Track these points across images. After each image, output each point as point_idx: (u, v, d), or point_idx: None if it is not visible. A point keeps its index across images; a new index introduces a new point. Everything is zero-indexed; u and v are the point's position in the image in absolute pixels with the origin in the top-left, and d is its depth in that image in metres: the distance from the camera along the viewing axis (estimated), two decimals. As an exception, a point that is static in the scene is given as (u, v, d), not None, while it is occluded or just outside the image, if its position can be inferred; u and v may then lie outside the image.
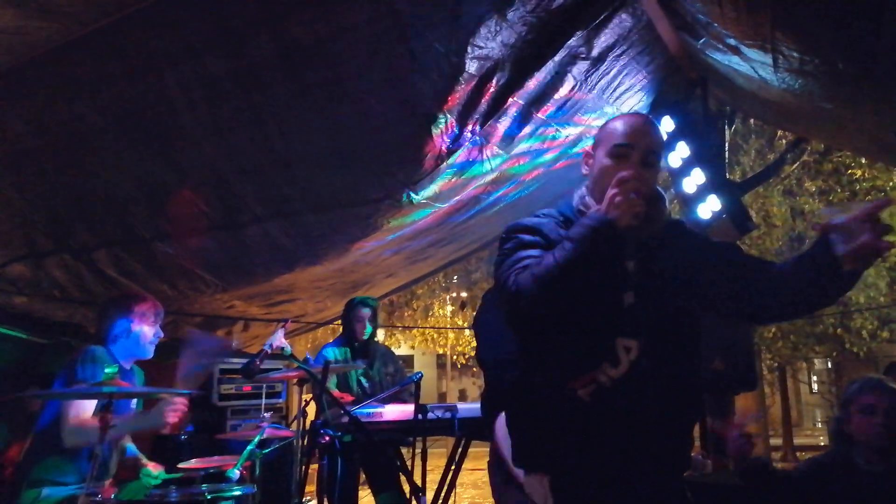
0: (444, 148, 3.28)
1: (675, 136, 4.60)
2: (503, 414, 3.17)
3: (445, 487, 3.96)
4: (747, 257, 1.79)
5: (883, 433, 2.49)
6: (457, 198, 3.90)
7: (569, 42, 3.21)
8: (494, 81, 3.13)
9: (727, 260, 1.74)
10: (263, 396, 4.25)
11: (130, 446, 3.27)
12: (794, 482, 2.65)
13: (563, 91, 3.55)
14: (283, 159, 3.40)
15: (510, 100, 3.32)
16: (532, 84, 3.33)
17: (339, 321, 4.84)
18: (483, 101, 3.21)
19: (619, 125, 1.73)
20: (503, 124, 3.48)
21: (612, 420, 1.60)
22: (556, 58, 3.26)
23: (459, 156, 3.45)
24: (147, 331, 3.16)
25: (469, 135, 3.35)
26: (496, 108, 3.30)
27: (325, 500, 3.52)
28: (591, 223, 1.55)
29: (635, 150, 1.67)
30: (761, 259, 1.81)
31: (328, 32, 2.86)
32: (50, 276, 3.86)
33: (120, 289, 3.87)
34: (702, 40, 3.44)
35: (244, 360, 3.17)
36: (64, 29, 2.59)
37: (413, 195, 3.47)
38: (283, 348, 3.06)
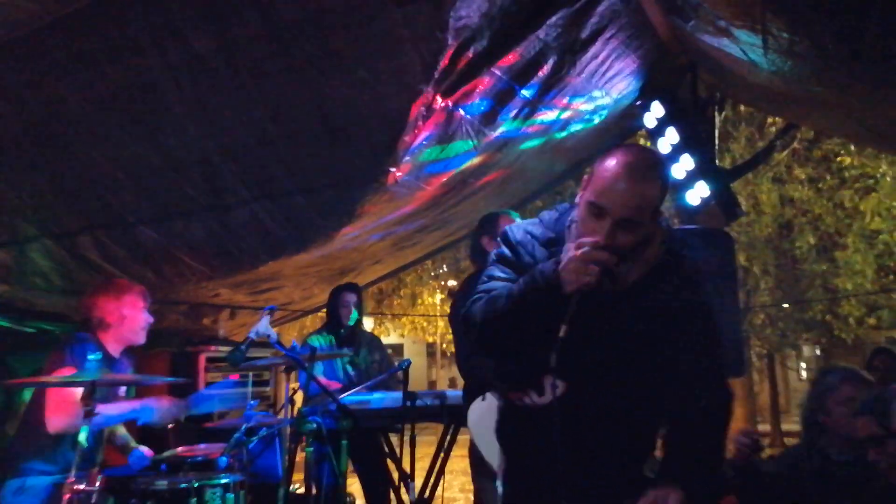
0: (423, 121, 3.24)
1: (664, 122, 4.59)
2: (475, 401, 3.22)
3: (434, 474, 3.97)
4: (691, 370, 1.69)
5: (848, 427, 2.48)
6: (443, 180, 3.87)
7: (554, 20, 3.17)
8: (472, 51, 3.07)
9: (679, 349, 1.67)
10: (250, 384, 4.23)
11: (123, 434, 3.27)
12: (771, 476, 2.65)
13: (549, 70, 3.51)
14: (271, 138, 3.34)
15: (490, 71, 3.26)
16: (514, 59, 3.28)
17: (325, 309, 4.82)
18: (462, 73, 3.16)
19: (602, 177, 1.59)
20: (485, 99, 3.44)
21: (541, 434, 1.67)
22: (542, 35, 3.22)
23: (440, 129, 3.40)
24: (138, 316, 3.15)
25: (449, 107, 3.30)
26: (475, 81, 3.25)
27: (313, 487, 3.51)
28: (541, 279, 1.58)
29: (609, 214, 1.55)
30: (691, 385, 1.69)
31: (320, 3, 2.80)
32: (32, 263, 3.81)
33: (103, 275, 3.83)
34: (691, 23, 3.42)
35: (230, 348, 3.15)
36: (43, 8, 2.54)
37: (397, 173, 3.43)
38: (269, 336, 3.04)
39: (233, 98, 3.14)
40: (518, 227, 1.82)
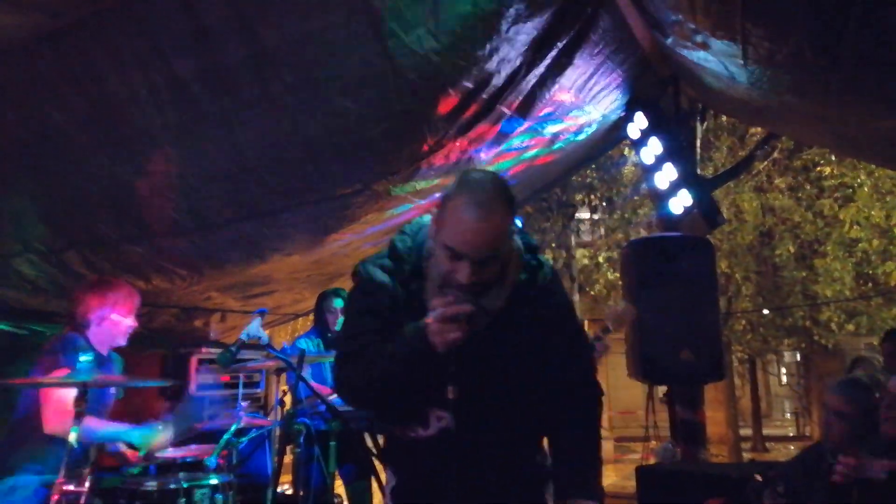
0: (426, 147, 3.28)
1: (647, 132, 4.70)
2: None
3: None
4: (567, 368, 1.71)
5: (825, 430, 2.66)
6: (437, 194, 3.93)
7: (549, 49, 3.26)
8: (481, 87, 3.14)
9: (554, 352, 1.69)
10: (241, 386, 4.25)
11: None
12: (779, 470, 2.78)
13: (544, 95, 3.61)
14: (252, 164, 3.35)
15: (498, 107, 3.34)
16: (516, 88, 3.36)
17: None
18: (469, 104, 3.23)
19: (452, 220, 1.51)
20: (486, 126, 3.51)
21: (430, 459, 1.65)
22: (536, 62, 3.30)
23: (442, 157, 3.47)
24: (122, 320, 3.12)
25: (453, 135, 3.36)
26: (482, 111, 3.32)
27: (301, 488, 3.55)
28: (413, 345, 1.51)
29: (465, 258, 1.49)
30: (569, 382, 1.72)
31: (301, 33, 2.83)
32: (18, 273, 3.79)
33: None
34: (671, 38, 3.51)
35: (222, 350, 3.18)
36: (33, 23, 2.53)
37: (392, 188, 3.48)
38: (260, 338, 3.07)
39: (213, 124, 3.13)
40: (374, 265, 1.68)
